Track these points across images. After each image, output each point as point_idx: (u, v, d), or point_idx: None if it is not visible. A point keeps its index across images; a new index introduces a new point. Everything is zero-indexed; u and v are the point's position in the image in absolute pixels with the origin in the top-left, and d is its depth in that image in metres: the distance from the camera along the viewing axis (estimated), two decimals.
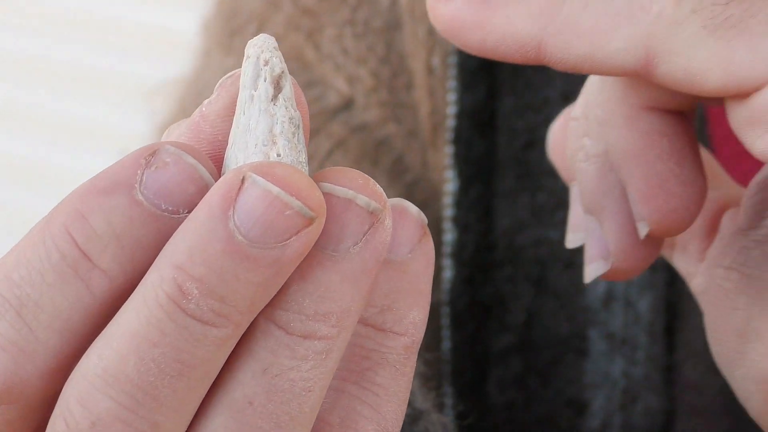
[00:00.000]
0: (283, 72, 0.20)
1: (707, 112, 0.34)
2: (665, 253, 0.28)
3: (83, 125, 1.83)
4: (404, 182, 0.36)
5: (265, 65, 0.20)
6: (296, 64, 0.37)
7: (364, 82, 0.37)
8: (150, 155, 0.19)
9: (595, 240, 0.26)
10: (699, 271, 0.27)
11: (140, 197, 0.18)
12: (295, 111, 0.20)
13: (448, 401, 0.30)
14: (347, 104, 0.37)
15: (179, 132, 0.21)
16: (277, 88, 0.20)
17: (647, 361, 0.32)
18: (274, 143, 0.20)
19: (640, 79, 0.24)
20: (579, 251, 0.28)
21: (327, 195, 0.18)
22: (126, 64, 1.90)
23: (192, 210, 0.18)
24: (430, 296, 0.20)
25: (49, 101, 1.86)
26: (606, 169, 0.25)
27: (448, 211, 0.33)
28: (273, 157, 0.20)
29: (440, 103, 0.35)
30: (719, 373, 0.31)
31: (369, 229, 0.19)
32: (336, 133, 0.34)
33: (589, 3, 0.23)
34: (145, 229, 0.18)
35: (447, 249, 0.32)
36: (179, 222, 0.18)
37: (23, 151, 1.82)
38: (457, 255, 0.32)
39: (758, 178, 0.25)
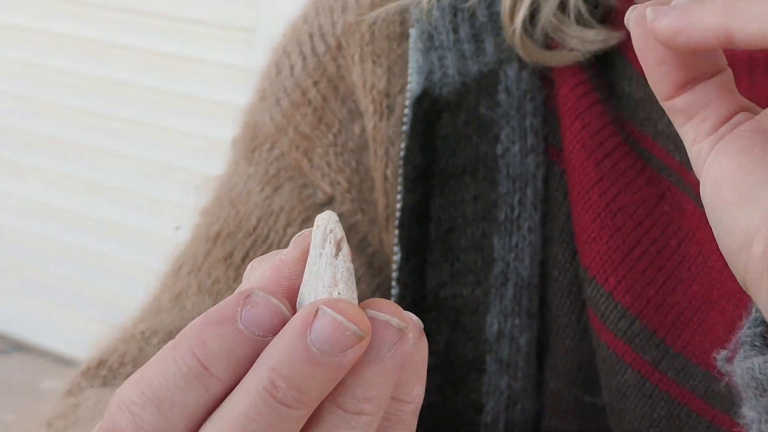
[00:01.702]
0: (342, 237, 0.26)
1: None
2: (679, 121, 0.31)
3: None
4: (367, 254, 0.47)
5: (330, 233, 0.26)
6: (296, 172, 0.48)
7: (341, 185, 0.48)
8: (246, 297, 0.25)
9: None
10: (708, 141, 0.31)
11: (241, 327, 0.24)
12: (350, 263, 0.26)
13: None
14: (330, 200, 0.48)
15: (262, 271, 0.27)
16: (338, 248, 0.26)
17: (524, 378, 0.44)
18: (336, 286, 0.26)
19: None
20: (478, 307, 0.41)
21: (372, 318, 0.24)
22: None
23: (276, 333, 0.24)
24: (425, 375, 0.26)
25: None
26: None
27: (394, 274, 0.45)
28: (335, 295, 0.25)
29: (392, 201, 0.46)
30: (574, 386, 0.44)
31: (399, 340, 0.25)
32: None
33: (751, 8, 0.27)
34: (245, 348, 0.24)
35: (393, 300, 0.44)
36: (266, 342, 0.24)
37: None
38: (399, 304, 0.44)
39: None
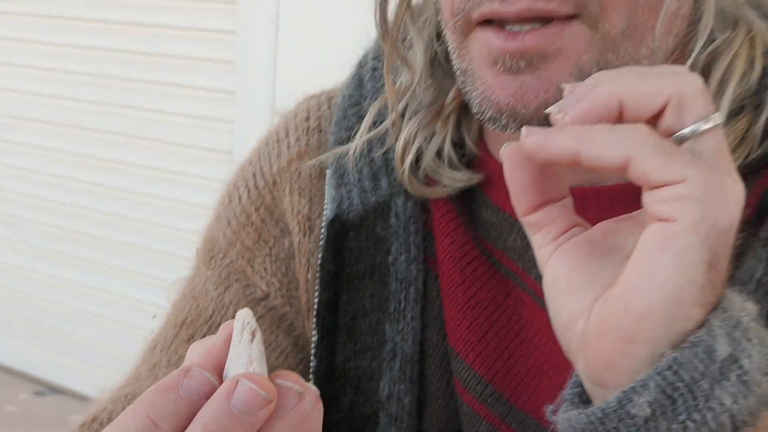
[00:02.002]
0: (256, 328, 0.31)
1: None
2: (531, 231, 0.37)
3: None
4: (293, 336, 0.55)
5: (247, 325, 0.32)
6: (241, 275, 0.56)
7: (274, 285, 0.55)
8: (186, 372, 0.30)
9: None
10: (551, 247, 0.36)
11: (182, 393, 0.30)
12: (262, 347, 0.31)
13: None
14: (266, 296, 0.56)
15: (200, 349, 0.33)
16: (253, 335, 0.31)
17: (407, 429, 0.52)
18: (252, 363, 0.31)
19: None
20: (374, 375, 0.51)
21: (278, 386, 0.30)
22: None
23: (208, 398, 0.29)
24: (320, 428, 0.32)
25: None
26: None
27: (312, 351, 0.54)
28: (251, 370, 0.31)
29: (311, 297, 0.54)
30: None
31: (299, 401, 0.30)
32: (259, 312, 0.55)
33: (594, 141, 0.32)
34: (185, 409, 0.30)
35: (311, 370, 0.54)
36: (201, 405, 0.30)
37: None
38: (316, 373, 0.53)
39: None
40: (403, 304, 0.54)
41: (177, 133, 2.21)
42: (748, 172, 0.46)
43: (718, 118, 0.34)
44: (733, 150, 0.46)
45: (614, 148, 0.33)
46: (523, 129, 0.34)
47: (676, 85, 0.33)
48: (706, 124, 0.33)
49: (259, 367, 0.31)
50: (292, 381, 0.31)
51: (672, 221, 0.32)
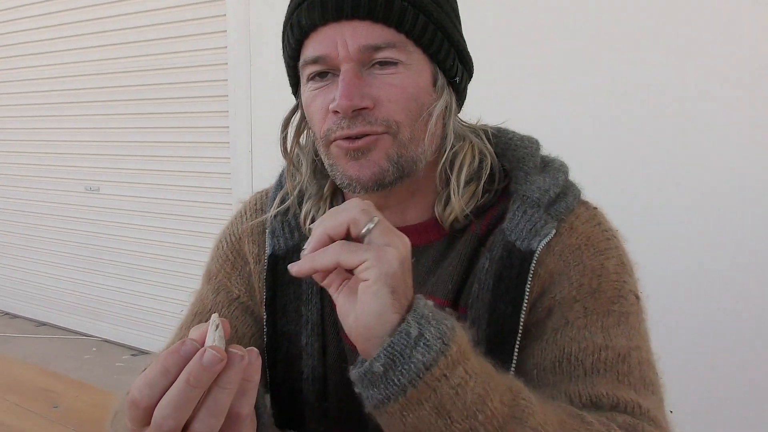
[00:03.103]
0: (219, 325, 0.51)
1: None
2: (325, 286, 0.59)
3: None
4: (254, 317, 0.88)
5: (216, 321, 0.51)
6: (225, 287, 0.86)
7: (243, 291, 0.88)
8: (183, 342, 0.49)
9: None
10: (333, 290, 0.57)
11: (181, 353, 0.49)
12: (223, 336, 0.51)
13: None
14: (238, 296, 0.87)
15: (194, 332, 0.51)
16: (217, 329, 0.51)
17: (318, 363, 0.81)
18: (215, 341, 0.50)
19: None
20: (296, 337, 0.87)
21: (230, 351, 0.50)
22: None
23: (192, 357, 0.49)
24: (259, 374, 0.51)
25: None
26: None
27: (264, 324, 0.87)
28: (214, 344, 0.50)
29: (262, 295, 0.86)
30: None
31: (241, 359, 0.50)
32: (235, 305, 0.89)
33: (317, 259, 0.56)
34: (183, 362, 0.49)
35: (265, 333, 0.87)
36: (188, 361, 0.49)
37: None
38: (267, 335, 0.87)
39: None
40: (310, 295, 0.83)
41: None
42: (479, 212, 0.81)
43: (376, 219, 0.57)
44: (470, 200, 0.80)
45: (328, 259, 0.55)
46: (289, 266, 0.57)
47: (349, 214, 0.57)
48: (371, 224, 0.57)
49: (219, 342, 0.51)
50: (237, 349, 0.51)
51: (366, 280, 0.55)
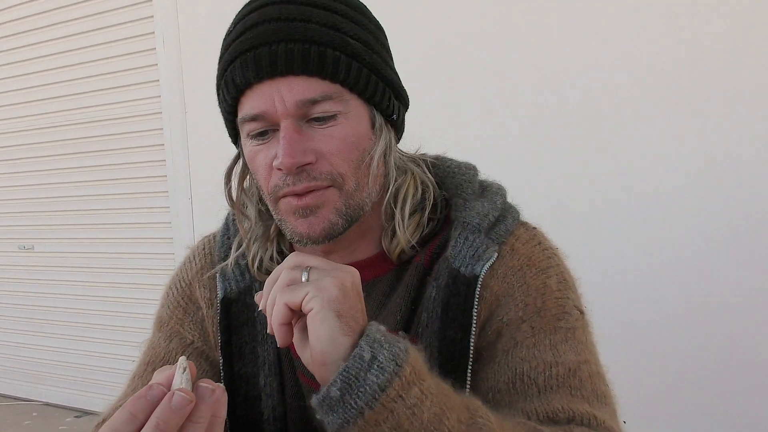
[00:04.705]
0: (186, 367, 0.52)
1: None
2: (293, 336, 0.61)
3: None
4: (209, 362, 0.89)
5: (181, 366, 0.52)
6: (177, 333, 0.90)
7: (197, 336, 0.87)
8: (150, 387, 0.51)
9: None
10: (298, 329, 0.60)
11: (148, 398, 0.50)
12: (190, 377, 0.51)
13: None
14: (192, 342, 0.87)
15: (159, 375, 0.52)
16: (184, 371, 0.51)
17: (277, 402, 0.84)
18: (182, 383, 0.51)
19: None
20: (254, 379, 0.90)
21: (197, 387, 0.52)
22: None
23: (160, 401, 0.50)
24: (226, 407, 0.53)
25: None
26: None
27: (221, 367, 0.87)
28: (182, 386, 0.51)
29: (216, 339, 0.88)
30: None
31: (212, 393, 0.52)
32: (189, 350, 0.89)
33: (273, 311, 0.59)
34: (150, 407, 0.50)
35: (222, 377, 0.87)
36: (156, 404, 0.50)
37: None
38: (224, 379, 0.87)
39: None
40: (265, 335, 0.83)
41: None
42: (424, 242, 0.82)
43: (308, 267, 0.61)
44: (415, 230, 0.82)
45: (279, 309, 0.60)
46: (268, 328, 0.61)
47: (282, 279, 0.62)
48: (305, 272, 0.60)
49: (187, 385, 0.52)
50: (207, 383, 0.52)
51: (311, 310, 0.59)
